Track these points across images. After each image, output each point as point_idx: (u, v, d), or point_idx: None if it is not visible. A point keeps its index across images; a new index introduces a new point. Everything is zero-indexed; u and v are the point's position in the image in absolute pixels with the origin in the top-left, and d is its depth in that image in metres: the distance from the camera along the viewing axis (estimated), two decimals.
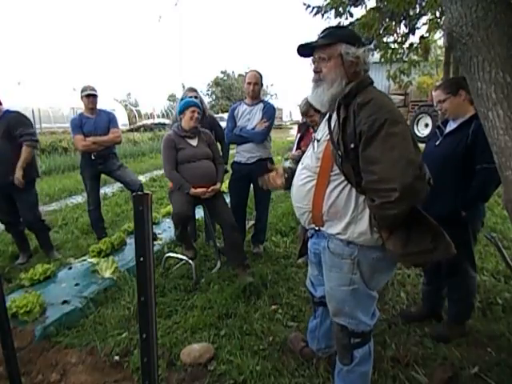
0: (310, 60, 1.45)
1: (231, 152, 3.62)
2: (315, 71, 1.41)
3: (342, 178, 1.33)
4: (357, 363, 1.50)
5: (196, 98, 3.32)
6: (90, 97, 3.53)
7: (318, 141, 1.46)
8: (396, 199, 1.14)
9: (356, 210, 1.33)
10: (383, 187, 1.18)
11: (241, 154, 3.27)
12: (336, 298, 1.49)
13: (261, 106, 3.23)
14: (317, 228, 1.47)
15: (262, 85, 3.27)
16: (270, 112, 3.21)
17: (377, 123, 1.18)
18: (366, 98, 1.24)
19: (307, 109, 2.91)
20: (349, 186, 1.33)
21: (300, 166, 1.54)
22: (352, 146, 1.25)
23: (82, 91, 3.54)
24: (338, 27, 1.47)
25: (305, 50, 1.42)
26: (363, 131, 1.21)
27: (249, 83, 3.18)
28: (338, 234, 1.38)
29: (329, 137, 1.38)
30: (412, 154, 1.16)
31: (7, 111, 3.16)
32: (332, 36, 1.37)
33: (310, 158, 1.47)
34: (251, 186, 3.41)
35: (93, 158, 3.58)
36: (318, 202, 1.40)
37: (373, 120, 1.19)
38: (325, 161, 1.39)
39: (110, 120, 3.68)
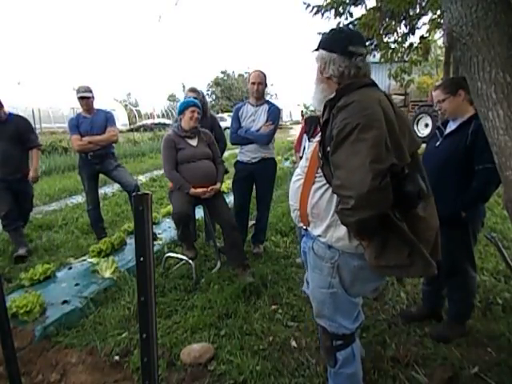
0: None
1: (232, 152, 3.62)
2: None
3: (325, 180, 1.33)
4: (341, 365, 1.50)
5: (196, 98, 3.31)
6: (83, 99, 3.53)
7: (311, 141, 1.49)
8: (352, 207, 1.12)
9: (336, 213, 1.32)
10: (343, 193, 1.16)
11: (244, 153, 3.28)
12: (316, 299, 1.50)
13: (266, 107, 3.23)
14: (305, 227, 1.49)
15: (266, 85, 3.27)
16: (274, 114, 3.22)
17: (348, 127, 1.15)
18: (348, 100, 1.20)
19: None
20: (331, 188, 1.31)
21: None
22: (328, 149, 1.24)
23: (77, 92, 3.55)
24: (326, 33, 1.47)
25: None
26: (334, 135, 1.19)
27: (253, 83, 3.17)
28: (319, 236, 1.39)
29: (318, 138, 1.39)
30: (375, 163, 1.09)
31: (11, 114, 3.46)
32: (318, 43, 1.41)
33: (303, 158, 1.51)
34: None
35: (89, 157, 3.58)
36: (304, 202, 1.42)
37: (344, 124, 1.16)
38: (312, 161, 1.40)
39: (107, 119, 3.67)
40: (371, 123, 1.14)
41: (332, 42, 1.34)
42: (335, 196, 1.31)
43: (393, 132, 1.18)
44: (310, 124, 3.07)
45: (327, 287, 1.42)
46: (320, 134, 1.31)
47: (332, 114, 1.24)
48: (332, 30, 1.50)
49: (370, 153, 1.10)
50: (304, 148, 3.16)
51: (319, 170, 1.35)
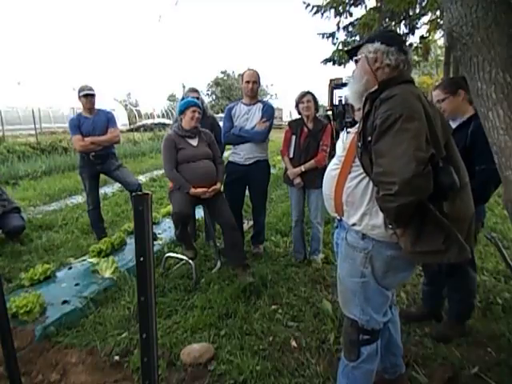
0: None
1: (228, 153, 3.60)
2: (352, 72, 1.52)
3: (362, 169, 1.36)
4: (363, 360, 1.50)
5: (198, 98, 3.31)
6: (87, 97, 3.53)
7: (348, 132, 1.53)
8: (395, 193, 1.17)
9: (372, 201, 1.35)
10: (386, 180, 1.21)
11: (238, 153, 3.23)
12: (347, 289, 1.51)
13: (259, 105, 3.20)
14: (339, 218, 1.52)
15: (260, 84, 3.24)
16: (269, 112, 3.19)
17: (391, 118, 1.20)
18: (391, 93, 1.26)
19: (305, 93, 3.04)
20: (367, 178, 1.36)
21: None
22: (369, 138, 1.29)
23: (80, 91, 3.54)
24: (380, 31, 1.56)
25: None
26: (377, 125, 1.25)
27: (247, 82, 3.13)
28: (353, 224, 1.42)
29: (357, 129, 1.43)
30: (418, 151, 1.16)
31: None
32: (364, 40, 1.48)
33: (339, 148, 1.55)
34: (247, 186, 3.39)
35: (91, 158, 3.58)
36: (339, 191, 1.46)
37: (388, 115, 1.21)
38: (350, 151, 1.45)
39: (109, 120, 3.68)
40: (413, 114, 1.20)
41: (389, 38, 1.42)
42: (371, 185, 1.36)
43: (431, 126, 1.24)
44: (296, 126, 3.11)
45: (359, 276, 1.43)
46: (361, 124, 1.36)
47: (374, 105, 1.29)
48: (383, 30, 1.57)
49: (412, 142, 1.17)
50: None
51: (356, 160, 1.39)
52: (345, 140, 1.53)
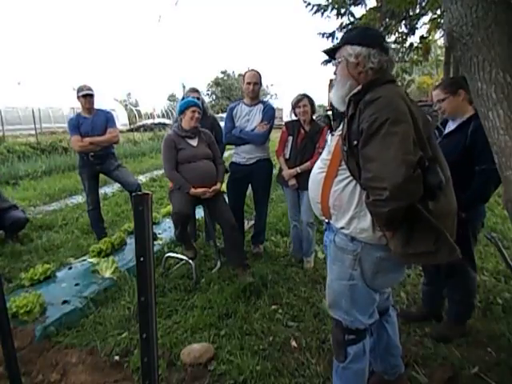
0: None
1: (232, 152, 3.61)
2: (334, 74, 1.50)
3: (348, 172, 1.35)
4: (350, 360, 1.50)
5: (198, 99, 3.31)
6: (86, 97, 3.52)
7: (333, 135, 1.51)
8: (386, 198, 1.15)
9: (359, 205, 1.34)
10: (376, 185, 1.19)
11: (240, 154, 3.25)
12: (334, 291, 1.51)
13: (260, 106, 3.20)
14: (327, 220, 1.51)
15: (261, 84, 3.24)
16: (270, 113, 3.19)
17: (377, 122, 1.18)
18: (374, 96, 1.24)
19: (301, 98, 3.02)
20: (354, 181, 1.34)
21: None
22: (355, 142, 1.27)
23: (78, 91, 3.53)
24: (351, 29, 1.50)
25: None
26: (363, 129, 1.22)
27: (248, 83, 3.13)
28: (342, 228, 1.41)
29: (341, 132, 1.41)
30: (407, 154, 1.14)
31: None
32: (341, 39, 1.44)
33: (325, 151, 1.53)
34: (249, 186, 3.39)
35: (91, 158, 3.58)
36: (326, 194, 1.44)
37: (374, 118, 1.19)
38: (335, 154, 1.43)
39: (108, 120, 3.67)
40: (400, 117, 1.19)
41: (369, 38, 1.38)
42: (358, 188, 1.34)
43: (416, 126, 1.22)
44: (293, 127, 3.10)
45: (347, 279, 1.43)
46: (345, 127, 1.33)
47: (359, 108, 1.27)
48: (359, 28, 1.54)
49: (401, 146, 1.15)
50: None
51: (342, 163, 1.37)
52: (329, 143, 1.51)
